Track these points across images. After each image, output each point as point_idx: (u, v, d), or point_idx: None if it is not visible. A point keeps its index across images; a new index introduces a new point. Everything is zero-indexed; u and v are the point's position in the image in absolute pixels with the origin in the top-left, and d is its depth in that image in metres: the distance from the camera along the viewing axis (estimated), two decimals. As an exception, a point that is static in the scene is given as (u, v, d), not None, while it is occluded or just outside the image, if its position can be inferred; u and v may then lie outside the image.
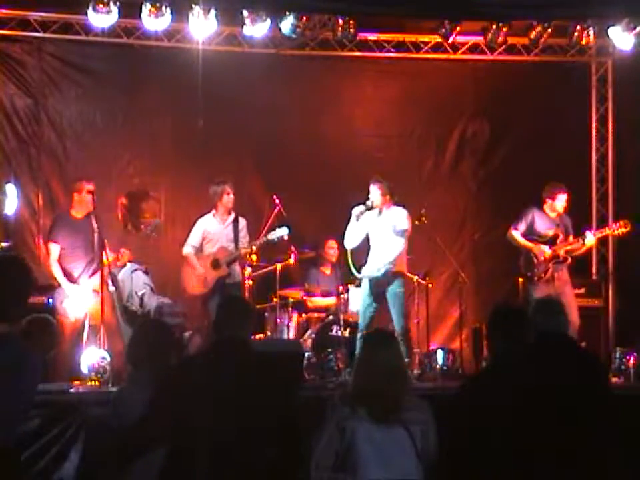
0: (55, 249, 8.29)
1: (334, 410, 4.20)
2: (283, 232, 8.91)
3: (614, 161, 10.92)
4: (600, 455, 4.54)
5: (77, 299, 8.18)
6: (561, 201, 9.19)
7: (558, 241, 9.15)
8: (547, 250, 9.09)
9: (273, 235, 8.91)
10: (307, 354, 8.42)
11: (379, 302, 8.72)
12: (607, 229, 9.52)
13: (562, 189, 9.22)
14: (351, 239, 8.76)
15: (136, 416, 4.25)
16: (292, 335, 9.37)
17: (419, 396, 4.52)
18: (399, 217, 8.68)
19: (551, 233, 9.18)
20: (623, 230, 9.23)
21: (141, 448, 4.25)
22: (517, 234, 9.21)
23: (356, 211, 8.63)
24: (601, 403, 4.67)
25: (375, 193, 8.67)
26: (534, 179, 10.13)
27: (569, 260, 9.17)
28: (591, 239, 9.25)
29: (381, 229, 8.69)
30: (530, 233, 9.20)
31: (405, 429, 4.16)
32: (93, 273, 8.24)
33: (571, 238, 9.22)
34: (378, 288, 8.68)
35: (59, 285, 8.24)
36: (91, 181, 8.35)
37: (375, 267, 8.67)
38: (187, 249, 9.15)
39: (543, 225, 9.21)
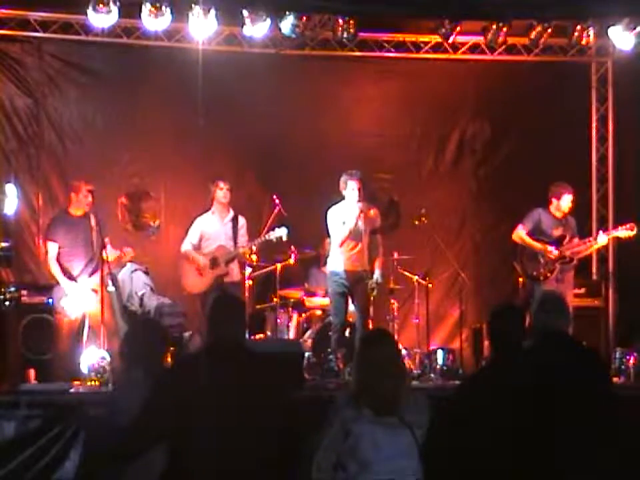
0: (52, 248, 8.30)
1: (338, 411, 4.19)
2: (282, 232, 8.89)
3: (614, 161, 10.92)
4: (600, 455, 4.53)
5: (76, 297, 8.19)
6: (566, 201, 9.15)
7: (564, 242, 9.13)
8: (553, 250, 9.04)
9: (272, 235, 8.90)
10: (306, 354, 8.42)
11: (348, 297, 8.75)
12: (615, 230, 9.33)
13: (568, 189, 9.18)
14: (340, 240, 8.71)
15: (130, 415, 4.24)
16: (292, 335, 9.38)
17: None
18: (375, 214, 8.75)
19: (557, 233, 9.14)
20: (630, 233, 9.10)
21: (138, 448, 4.24)
22: (523, 233, 9.15)
23: (340, 217, 8.60)
24: (601, 401, 4.67)
25: (354, 187, 8.62)
26: (534, 179, 10.14)
27: (575, 261, 9.16)
28: (603, 239, 9.26)
29: (359, 225, 8.60)
30: (536, 233, 9.15)
31: (409, 431, 4.16)
32: (93, 272, 8.24)
33: (576, 240, 9.21)
34: (352, 283, 8.64)
35: (58, 283, 8.25)
36: (90, 183, 8.36)
37: (359, 264, 8.57)
38: (186, 246, 9.14)
39: (549, 225, 9.16)
